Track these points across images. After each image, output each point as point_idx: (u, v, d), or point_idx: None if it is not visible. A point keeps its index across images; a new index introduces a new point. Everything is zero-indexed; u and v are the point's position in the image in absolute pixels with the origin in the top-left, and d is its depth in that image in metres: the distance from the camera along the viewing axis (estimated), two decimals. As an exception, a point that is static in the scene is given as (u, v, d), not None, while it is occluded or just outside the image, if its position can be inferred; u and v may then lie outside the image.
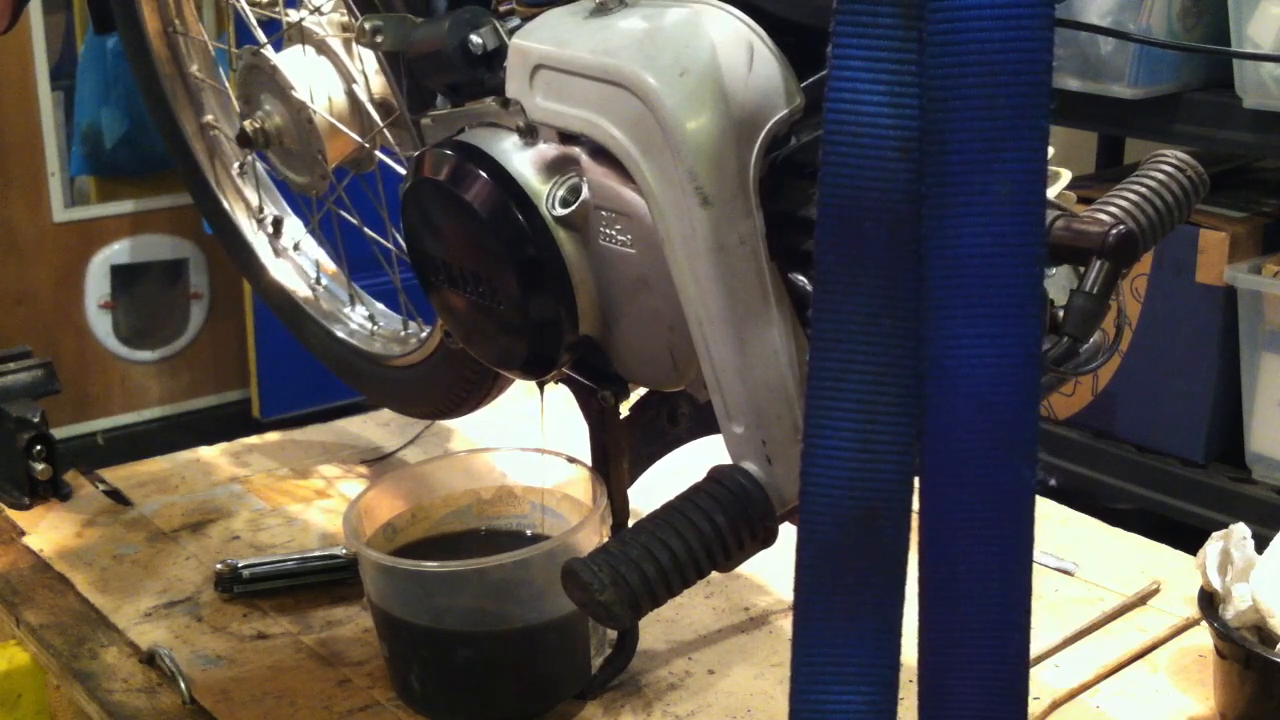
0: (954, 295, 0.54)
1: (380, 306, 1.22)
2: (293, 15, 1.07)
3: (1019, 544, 0.57)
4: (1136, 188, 0.81)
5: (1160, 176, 0.81)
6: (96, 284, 2.59)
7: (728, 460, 0.74)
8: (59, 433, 1.22)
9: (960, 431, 0.55)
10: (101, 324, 2.61)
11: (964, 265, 0.53)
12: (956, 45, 0.52)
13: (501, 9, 0.82)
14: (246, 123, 1.09)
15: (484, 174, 0.78)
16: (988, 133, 0.52)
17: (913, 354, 0.56)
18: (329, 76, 1.06)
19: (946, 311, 0.54)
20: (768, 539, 0.73)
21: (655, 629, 0.99)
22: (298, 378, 2.46)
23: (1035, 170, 0.53)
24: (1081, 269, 0.68)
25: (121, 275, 2.61)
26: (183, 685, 0.93)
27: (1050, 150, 0.56)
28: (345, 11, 1.03)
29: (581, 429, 0.90)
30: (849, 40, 0.53)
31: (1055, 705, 0.92)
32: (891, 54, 0.53)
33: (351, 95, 1.05)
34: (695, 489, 0.72)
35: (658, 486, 0.89)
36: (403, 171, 0.98)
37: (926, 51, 0.52)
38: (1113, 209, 0.79)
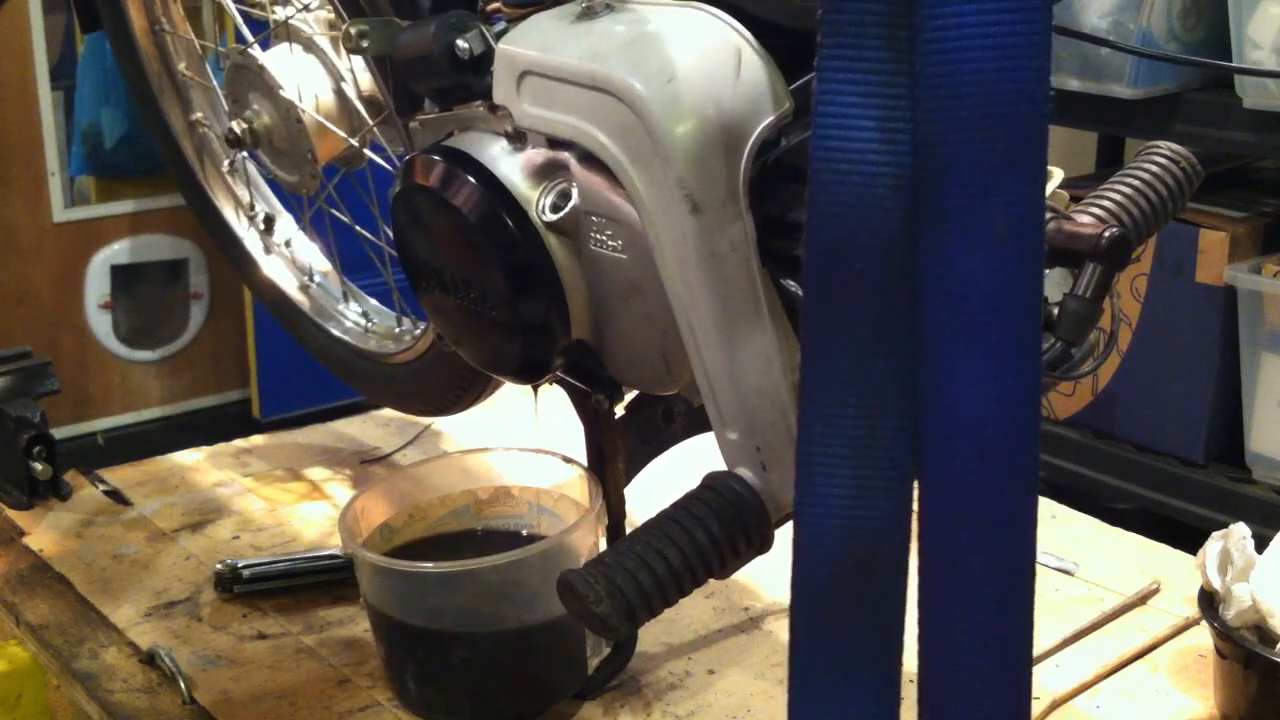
0: (952, 332, 0.52)
1: (374, 303, 1.22)
2: (280, 13, 1.07)
3: (1021, 583, 0.56)
4: (1130, 181, 0.80)
5: (1153, 169, 0.81)
6: (96, 284, 2.59)
7: (723, 464, 0.74)
8: (59, 433, 1.22)
9: (960, 471, 0.54)
10: (101, 324, 2.61)
11: (961, 301, 0.52)
12: (950, 78, 0.50)
13: (489, 9, 0.82)
14: (235, 123, 1.09)
15: (473, 180, 0.78)
16: (984, 165, 0.51)
17: (907, 395, 0.54)
18: (317, 75, 1.06)
19: (944, 349, 0.53)
20: (764, 545, 0.73)
21: (655, 629, 0.99)
22: (297, 378, 2.46)
23: (1034, 203, 0.51)
24: (1075, 270, 0.67)
25: (121, 275, 2.61)
26: (183, 685, 0.93)
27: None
28: (332, 10, 1.03)
29: (579, 428, 0.90)
30: (836, 74, 0.52)
31: (1055, 705, 0.92)
32: (880, 87, 0.52)
33: (340, 93, 1.05)
34: (690, 497, 0.72)
35: (655, 487, 0.89)
36: (393, 169, 0.98)
37: (919, 84, 0.51)
38: (1106, 204, 0.79)
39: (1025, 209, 0.51)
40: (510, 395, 1.24)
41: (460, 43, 0.80)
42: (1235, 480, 1.65)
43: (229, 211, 1.28)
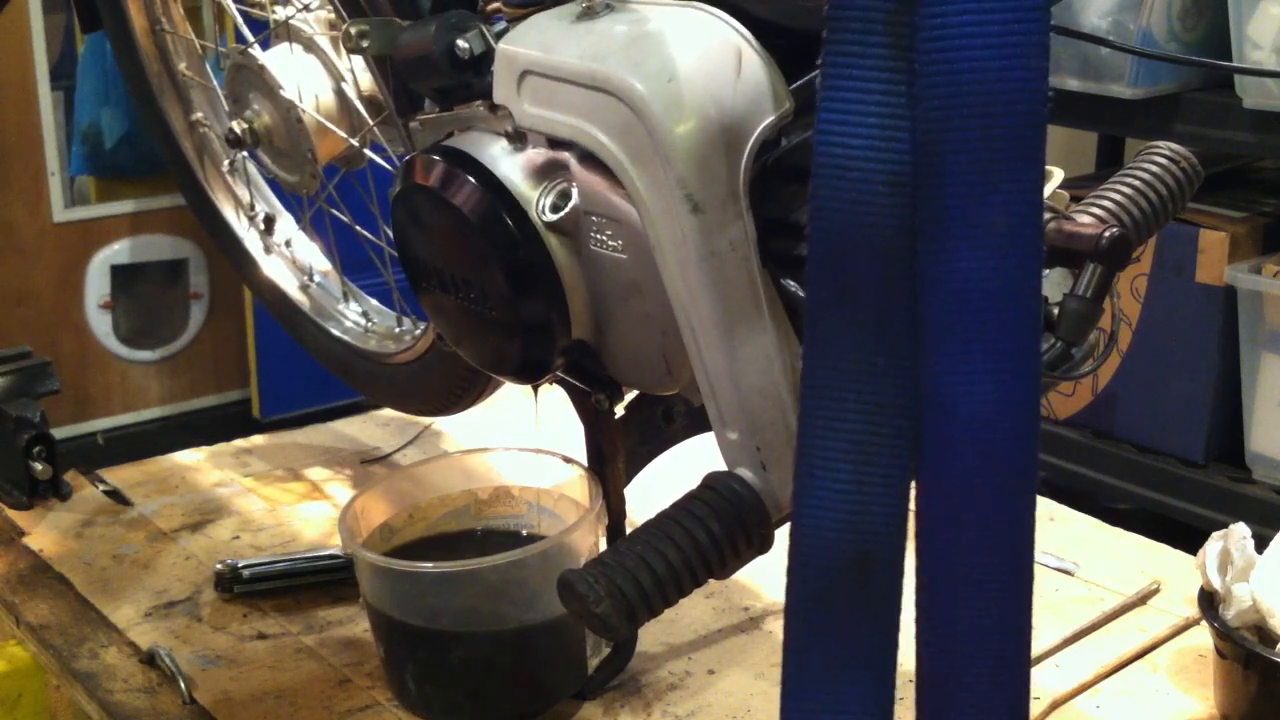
0: (951, 331, 0.52)
1: (374, 303, 1.22)
2: (280, 13, 1.07)
3: (1019, 585, 0.56)
4: (1130, 181, 0.80)
5: (1153, 169, 0.81)
6: (96, 284, 2.59)
7: (723, 464, 0.74)
8: (59, 433, 1.22)
9: (959, 471, 0.54)
10: (101, 324, 2.61)
11: (962, 300, 0.52)
12: (949, 77, 0.50)
13: (489, 9, 0.82)
14: (235, 123, 1.09)
15: (473, 180, 0.78)
16: (984, 165, 0.51)
17: (907, 393, 0.54)
18: (317, 75, 1.06)
19: (944, 348, 0.53)
20: (764, 545, 0.73)
21: (655, 629, 0.99)
22: (297, 378, 2.46)
23: (1033, 202, 0.51)
24: (1075, 270, 0.67)
25: (121, 275, 2.61)
26: (183, 685, 0.93)
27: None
28: (332, 9, 1.03)
29: (579, 428, 0.90)
30: (840, 71, 0.52)
31: (1055, 705, 0.92)
32: (882, 85, 0.52)
33: (340, 93, 1.05)
34: (690, 497, 0.72)
35: (655, 487, 0.89)
36: (393, 169, 0.98)
37: (918, 83, 0.51)
38: (1106, 204, 0.79)
39: (1025, 208, 0.51)
40: (510, 395, 1.24)
41: (460, 43, 0.80)
42: (1235, 480, 1.65)
43: (229, 211, 1.28)
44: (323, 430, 1.36)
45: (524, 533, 0.98)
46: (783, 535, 0.69)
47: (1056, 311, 0.68)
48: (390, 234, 0.89)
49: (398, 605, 0.88)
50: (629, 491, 0.91)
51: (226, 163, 1.27)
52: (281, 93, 1.05)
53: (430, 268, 0.84)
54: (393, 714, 0.91)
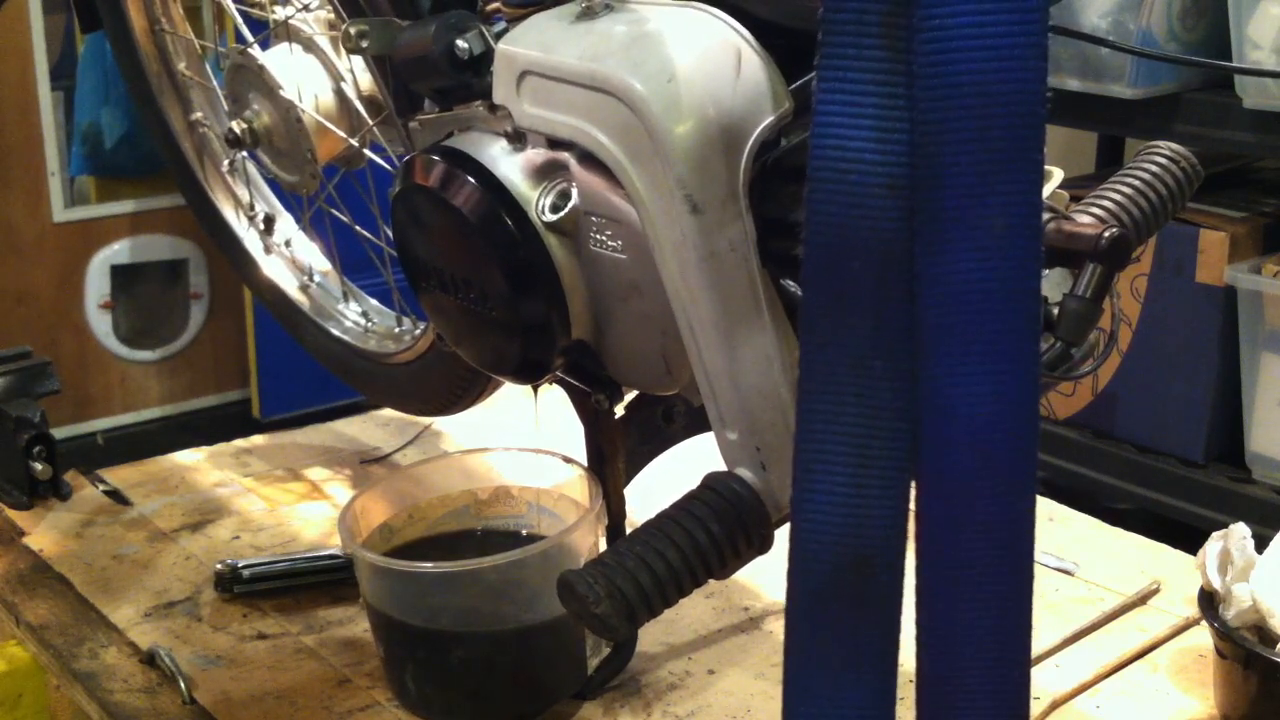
0: (950, 333, 0.52)
1: (374, 303, 1.22)
2: (280, 13, 1.07)
3: (1019, 585, 0.56)
4: (1130, 181, 0.80)
5: (1153, 169, 0.81)
6: (96, 284, 2.59)
7: (723, 464, 0.74)
8: (59, 433, 1.22)
9: (958, 473, 0.54)
10: (101, 324, 2.61)
11: (961, 301, 0.52)
12: (947, 78, 0.50)
13: (489, 9, 0.82)
14: (234, 123, 1.09)
15: (472, 180, 0.78)
16: (982, 165, 0.51)
17: (905, 396, 0.54)
18: (317, 75, 1.06)
19: (942, 350, 0.53)
20: (764, 545, 0.73)
21: (655, 629, 0.99)
22: (297, 378, 2.46)
23: (1032, 202, 0.51)
24: (1075, 270, 0.67)
25: (121, 275, 2.62)
26: (183, 685, 0.93)
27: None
28: (332, 10, 1.04)
29: (579, 428, 0.90)
30: (835, 74, 0.52)
31: (1055, 705, 0.92)
32: (878, 88, 0.52)
33: (340, 93, 1.05)
34: (690, 497, 0.72)
35: (655, 487, 0.89)
36: (392, 169, 0.98)
37: (916, 84, 0.51)
38: (1106, 204, 0.79)
39: (1024, 209, 0.51)
40: (510, 395, 1.24)
41: (460, 43, 0.80)
42: (1235, 480, 1.65)
43: (229, 211, 1.28)
44: (323, 430, 1.36)
45: (524, 533, 0.98)
46: (783, 535, 0.69)
47: (1056, 311, 0.68)
48: (390, 234, 0.89)
49: (398, 605, 0.88)
50: (629, 491, 0.91)
51: (226, 163, 1.27)
52: (281, 93, 1.05)
53: (430, 268, 0.84)
54: (393, 714, 0.91)
